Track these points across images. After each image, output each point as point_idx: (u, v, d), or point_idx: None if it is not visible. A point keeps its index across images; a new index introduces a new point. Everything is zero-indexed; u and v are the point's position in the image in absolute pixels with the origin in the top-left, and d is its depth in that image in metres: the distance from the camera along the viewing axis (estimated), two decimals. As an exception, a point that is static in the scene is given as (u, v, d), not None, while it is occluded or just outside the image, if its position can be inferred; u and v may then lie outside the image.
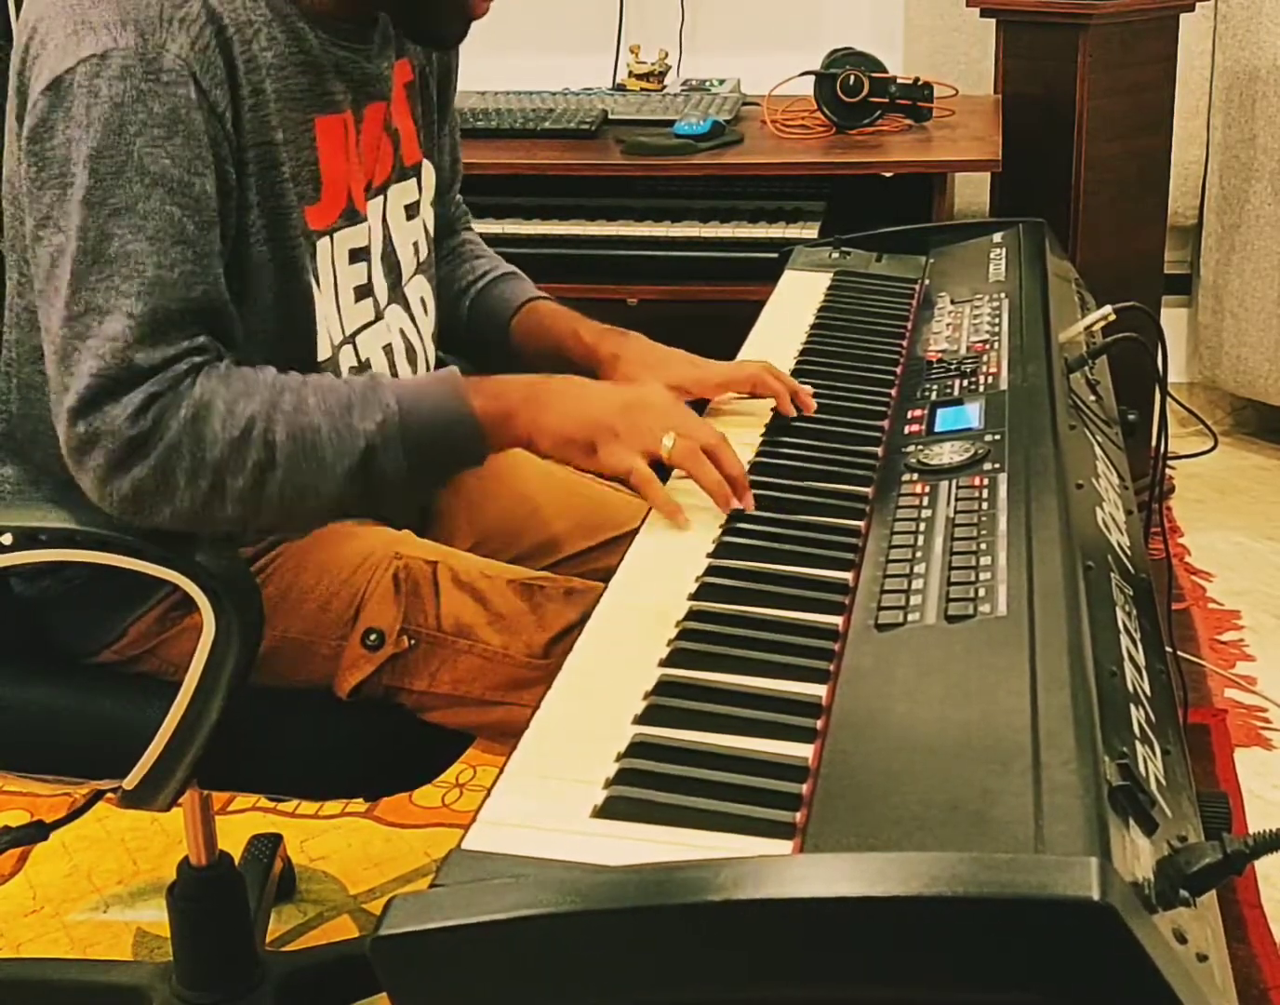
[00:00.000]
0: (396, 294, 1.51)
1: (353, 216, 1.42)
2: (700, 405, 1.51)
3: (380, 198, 1.47)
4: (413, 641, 1.36)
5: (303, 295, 1.36)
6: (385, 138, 1.47)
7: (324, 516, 1.37)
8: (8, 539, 1.34)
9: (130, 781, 1.38)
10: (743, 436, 1.42)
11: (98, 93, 1.21)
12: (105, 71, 1.21)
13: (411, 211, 1.53)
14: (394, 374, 1.48)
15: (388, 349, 1.48)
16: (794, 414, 1.46)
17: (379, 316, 1.47)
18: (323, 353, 1.38)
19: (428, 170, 1.57)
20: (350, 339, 1.43)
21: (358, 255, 1.43)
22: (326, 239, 1.38)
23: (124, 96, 1.22)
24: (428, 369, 1.55)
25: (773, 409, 1.48)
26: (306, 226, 1.35)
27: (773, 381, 1.48)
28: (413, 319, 1.53)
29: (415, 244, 1.54)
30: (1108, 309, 1.56)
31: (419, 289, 1.55)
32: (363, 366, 1.44)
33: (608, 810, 0.90)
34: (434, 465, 1.33)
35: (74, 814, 1.60)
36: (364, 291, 1.45)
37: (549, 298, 1.66)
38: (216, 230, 1.27)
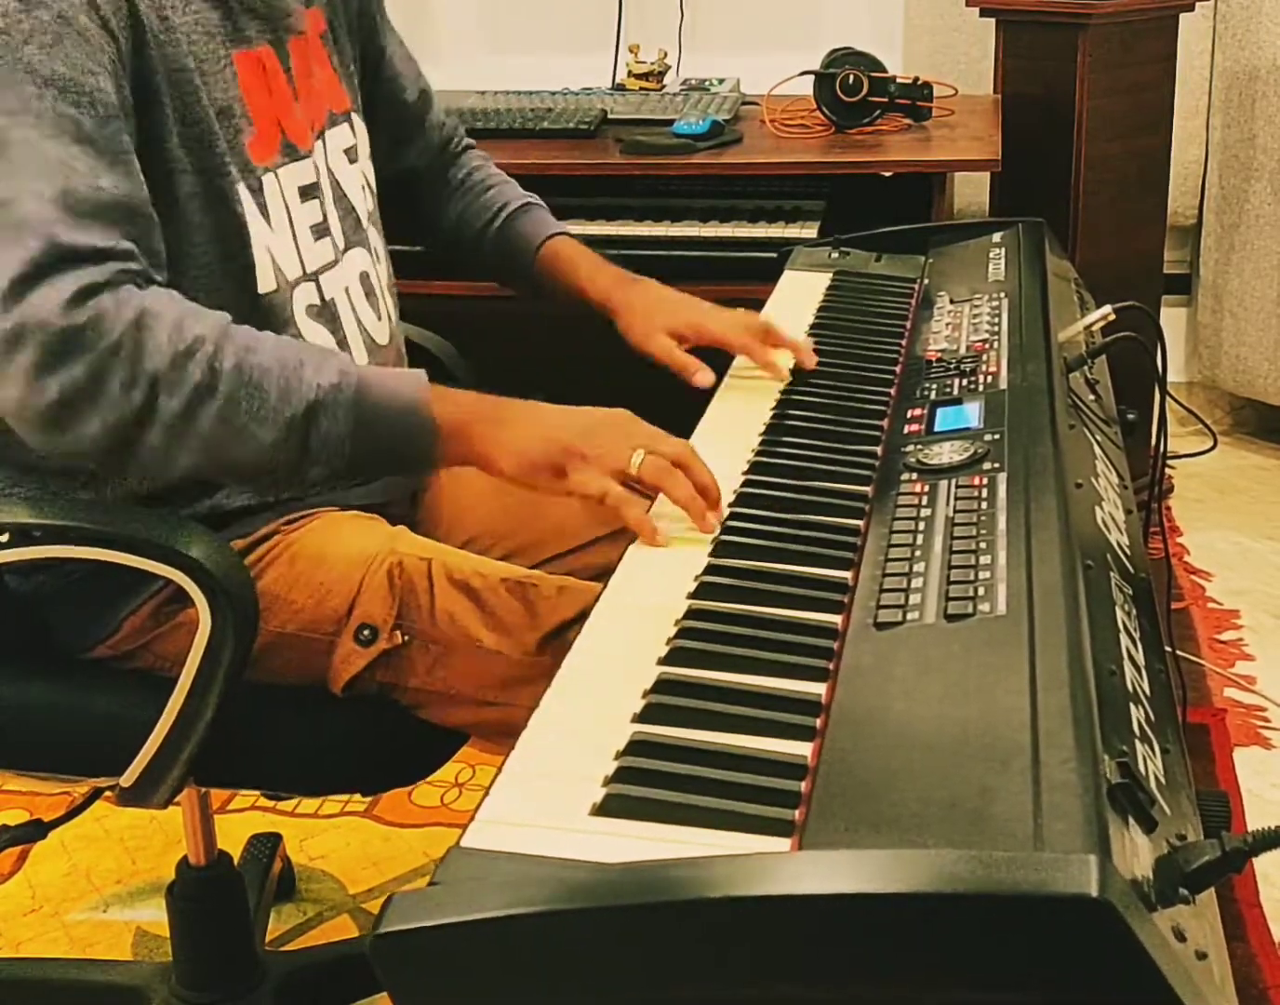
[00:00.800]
0: (359, 237, 1.53)
1: (292, 152, 1.43)
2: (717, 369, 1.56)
3: (320, 142, 1.49)
4: (406, 637, 1.36)
5: (236, 226, 1.36)
6: (310, 81, 1.48)
7: (246, 470, 1.29)
8: (4, 537, 1.34)
9: (127, 779, 1.38)
10: (743, 436, 1.43)
11: None
12: None
13: (351, 155, 1.55)
14: (356, 315, 1.50)
15: (348, 291, 1.49)
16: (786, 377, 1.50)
17: (337, 259, 1.48)
18: (265, 285, 1.38)
19: (358, 123, 1.58)
20: (313, 277, 1.44)
21: (308, 192, 1.44)
22: (271, 175, 1.40)
23: (8, 6, 1.22)
24: (389, 314, 1.56)
25: (773, 409, 1.49)
26: (249, 160, 1.37)
27: (762, 353, 1.54)
28: (373, 264, 1.55)
29: (363, 188, 1.56)
30: (1107, 309, 1.56)
31: (373, 239, 1.57)
32: (326, 306, 1.45)
33: (607, 808, 0.90)
34: (376, 450, 1.27)
35: (72, 812, 1.60)
36: (321, 230, 1.46)
37: (567, 232, 1.70)
38: (120, 126, 1.26)
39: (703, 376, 1.52)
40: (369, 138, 1.61)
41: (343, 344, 1.47)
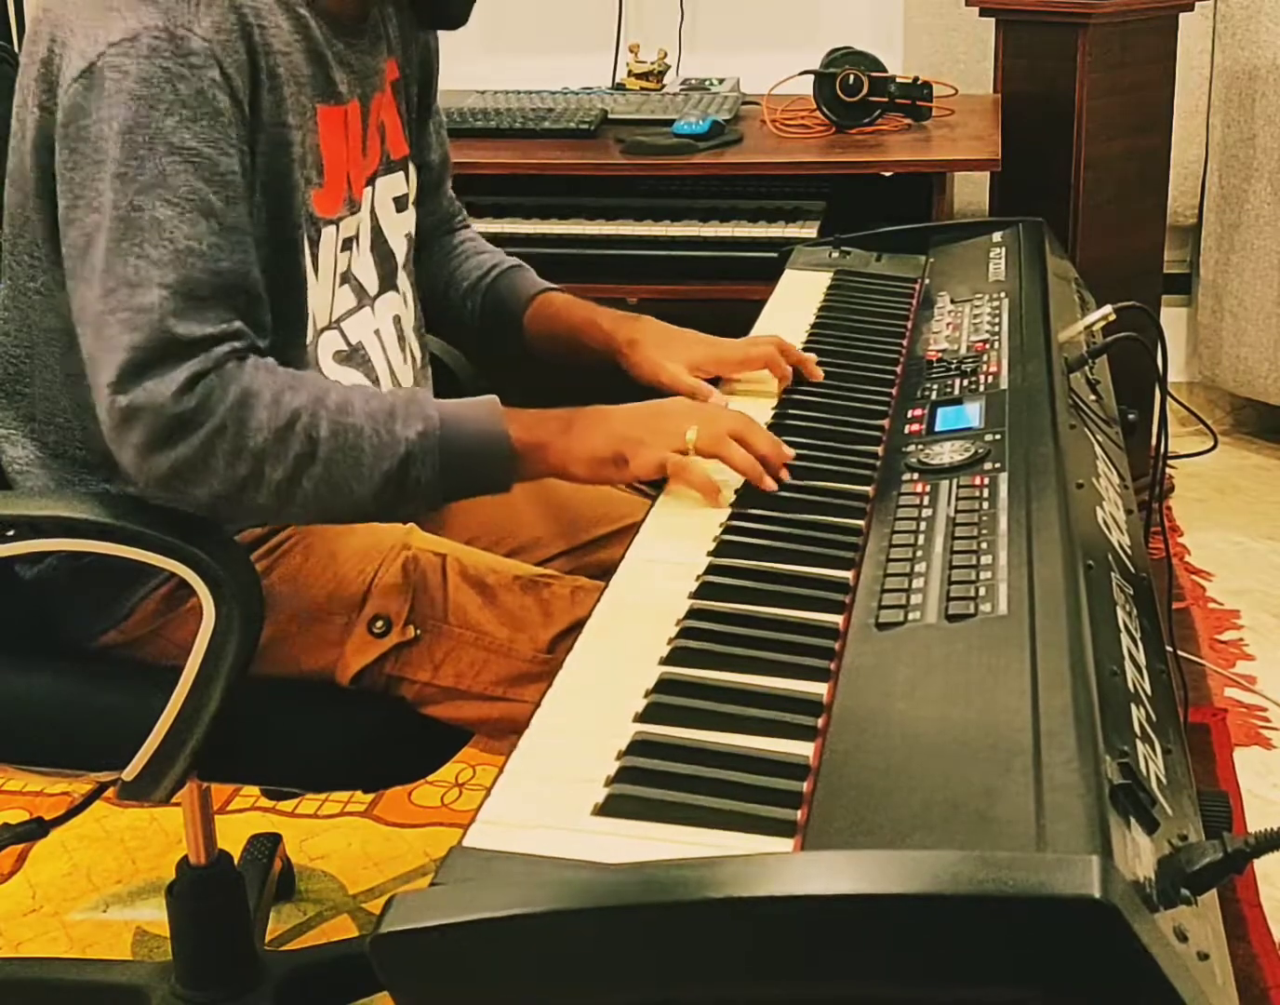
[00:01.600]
0: (390, 283, 1.53)
1: (353, 206, 1.45)
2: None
3: (369, 188, 1.49)
4: (418, 632, 1.37)
5: (297, 279, 1.38)
6: (377, 130, 1.49)
7: (348, 519, 1.38)
8: (10, 530, 1.34)
9: (130, 772, 1.38)
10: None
11: (127, 72, 1.24)
12: (134, 51, 1.24)
13: (401, 204, 1.56)
14: (386, 358, 1.51)
15: (378, 334, 1.51)
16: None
17: (361, 304, 1.49)
18: (308, 336, 1.40)
19: (412, 173, 1.60)
20: (335, 324, 1.46)
21: (347, 244, 1.45)
22: (332, 227, 1.41)
23: (153, 75, 1.24)
24: (414, 357, 1.58)
25: (773, 409, 1.49)
26: (314, 213, 1.38)
27: (782, 365, 1.53)
28: (404, 309, 1.56)
29: (407, 235, 1.57)
30: (1107, 308, 1.57)
31: (405, 283, 1.58)
32: (353, 350, 1.47)
33: (608, 808, 0.90)
34: (464, 483, 1.34)
35: (73, 811, 1.60)
36: (344, 277, 1.47)
37: (557, 288, 1.69)
38: (243, 207, 1.29)
39: (716, 399, 1.51)
40: None
41: (375, 385, 1.48)
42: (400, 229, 1.56)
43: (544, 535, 1.61)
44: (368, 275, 1.50)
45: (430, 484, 1.31)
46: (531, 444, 1.34)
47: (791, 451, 1.35)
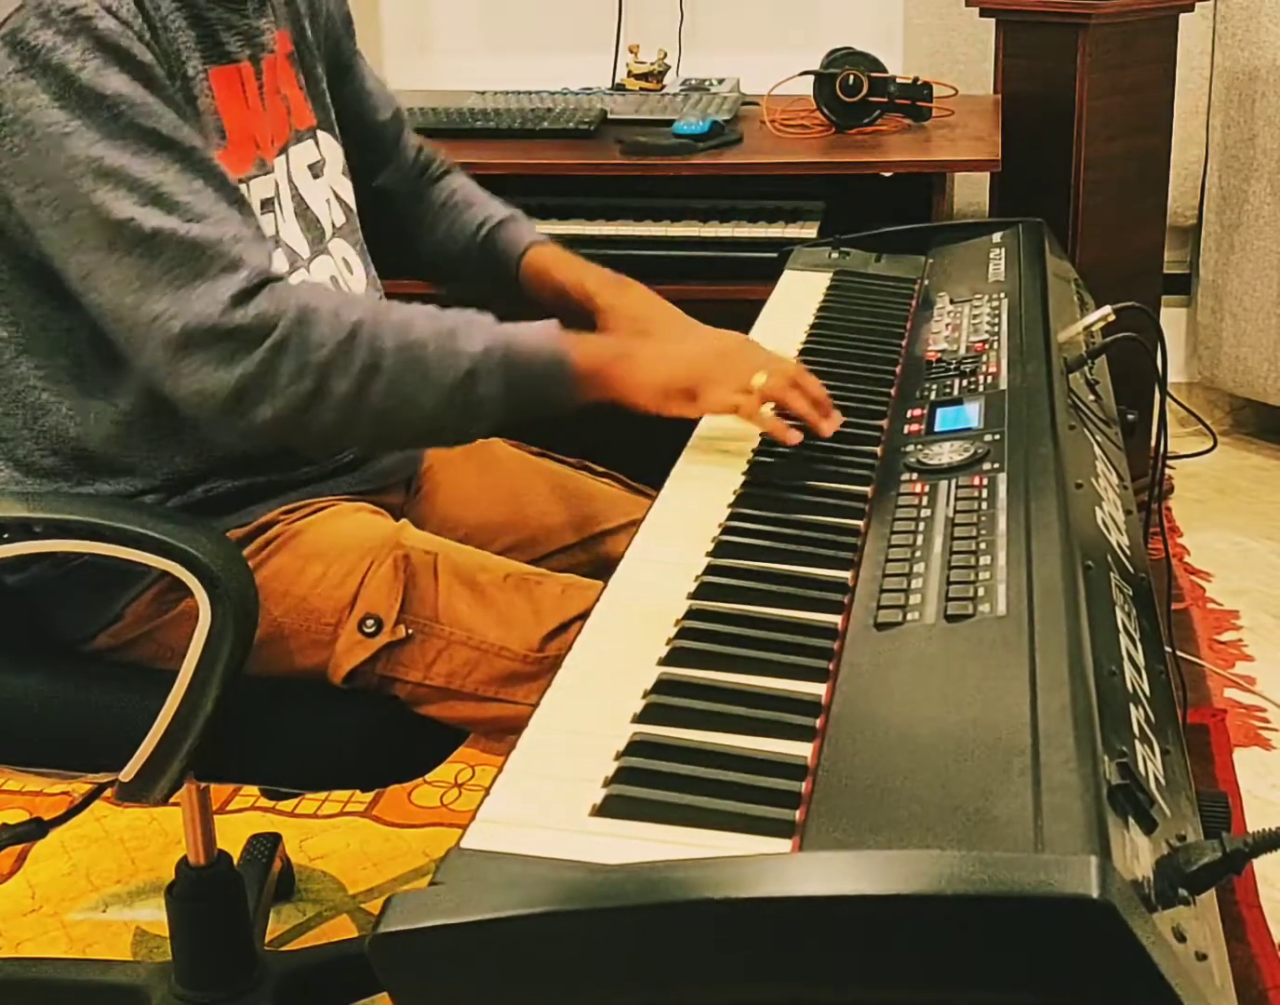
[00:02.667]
0: (321, 248, 1.54)
1: (262, 166, 1.45)
2: None
3: (283, 157, 1.50)
4: (409, 631, 1.37)
5: None
6: (276, 98, 1.50)
7: (417, 437, 1.43)
8: (3, 533, 1.34)
9: (127, 773, 1.38)
10: (744, 436, 1.42)
11: (34, 44, 1.25)
12: (29, 25, 1.25)
13: (316, 171, 1.56)
14: None
15: None
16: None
17: (295, 266, 1.49)
18: None
19: (325, 139, 1.60)
20: None
21: (266, 205, 1.46)
22: (244, 187, 1.41)
23: (55, 43, 1.25)
24: None
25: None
26: None
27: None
28: (341, 274, 1.56)
29: (328, 202, 1.57)
30: (1107, 309, 1.56)
31: (340, 249, 1.58)
32: None
33: (607, 809, 0.90)
34: (528, 400, 1.36)
35: (72, 812, 1.60)
36: (274, 242, 1.47)
37: (549, 240, 1.70)
38: (189, 129, 1.31)
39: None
40: (345, 155, 1.62)
41: None
42: (320, 195, 1.56)
43: (541, 532, 1.61)
44: (297, 240, 1.50)
45: (495, 399, 1.33)
46: (593, 367, 1.37)
47: (830, 402, 1.40)
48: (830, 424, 1.39)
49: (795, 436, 1.38)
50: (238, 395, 1.28)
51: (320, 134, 1.58)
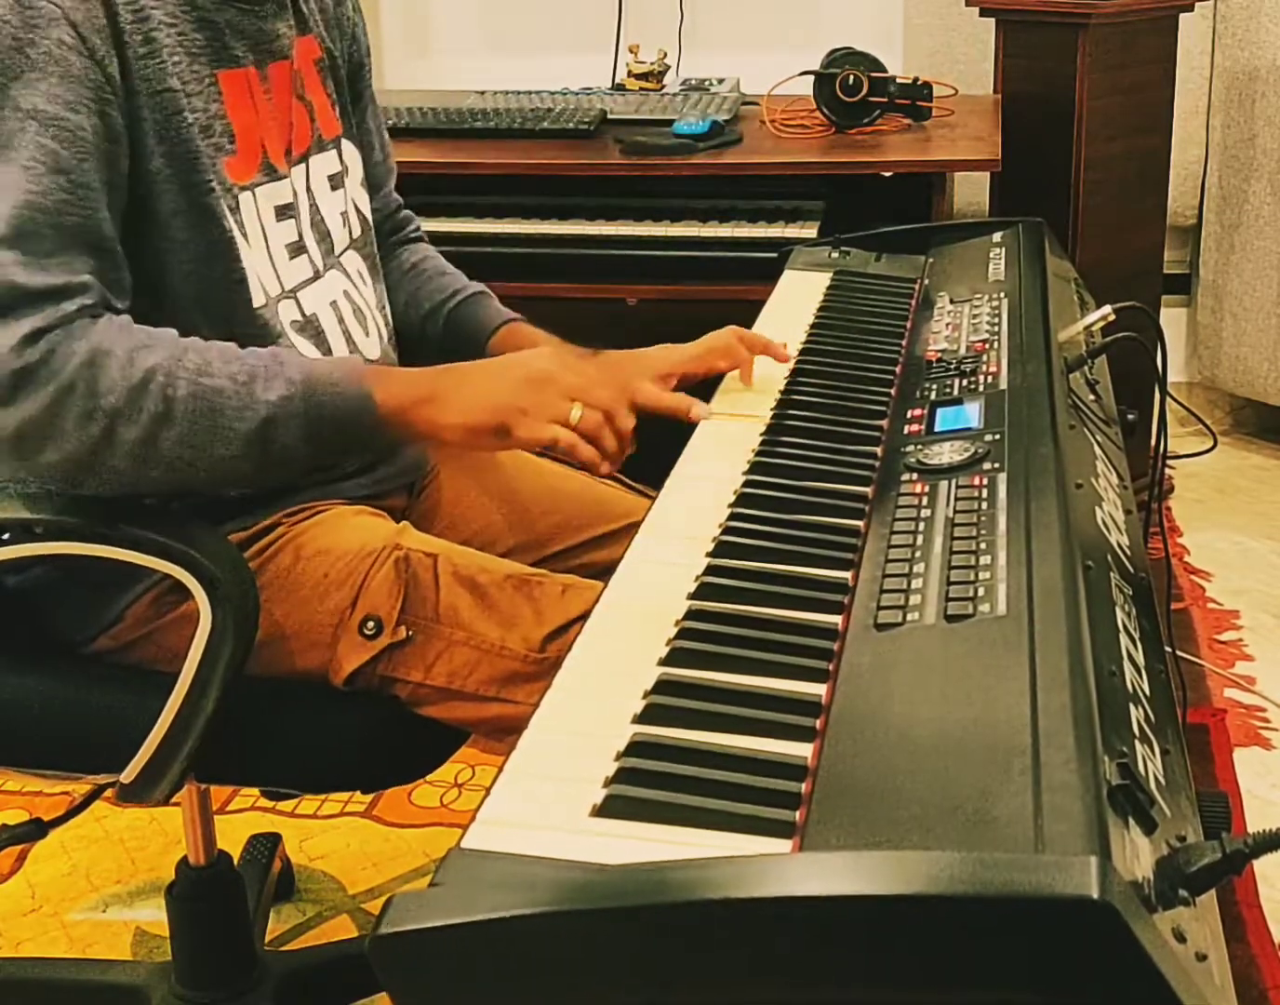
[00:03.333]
0: (332, 261, 1.54)
1: (272, 172, 1.44)
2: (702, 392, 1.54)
3: (303, 166, 1.50)
4: (410, 632, 1.37)
5: (225, 244, 1.38)
6: (299, 105, 1.50)
7: (218, 482, 1.36)
8: (4, 534, 1.34)
9: (128, 775, 1.38)
10: (743, 436, 1.43)
11: None
12: None
13: (335, 182, 1.56)
14: (344, 330, 1.51)
15: (334, 305, 1.51)
16: (751, 383, 1.50)
17: (318, 274, 1.49)
18: (257, 300, 1.41)
19: (349, 149, 1.60)
20: (290, 293, 1.46)
21: (284, 212, 1.46)
22: (249, 193, 1.41)
23: (1, 42, 1.25)
24: (379, 333, 1.58)
25: (773, 409, 1.49)
26: (226, 179, 1.38)
27: (739, 350, 1.52)
28: (354, 287, 1.56)
29: (344, 214, 1.57)
30: (1107, 309, 1.56)
31: (353, 262, 1.58)
32: (308, 321, 1.47)
33: (607, 809, 0.90)
34: (331, 446, 1.35)
35: (72, 812, 1.60)
36: (297, 248, 1.47)
37: (522, 319, 1.67)
38: (94, 163, 1.29)
39: (698, 410, 1.48)
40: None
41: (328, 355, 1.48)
42: (335, 207, 1.55)
43: (543, 533, 1.61)
44: (314, 250, 1.50)
45: (295, 446, 1.31)
46: (395, 409, 1.33)
47: (620, 447, 1.36)
48: (605, 468, 1.35)
49: (604, 469, 1.35)
50: (19, 435, 1.24)
51: (345, 143, 1.58)
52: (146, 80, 1.32)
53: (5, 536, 1.35)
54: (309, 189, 1.51)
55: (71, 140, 1.27)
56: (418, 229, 1.79)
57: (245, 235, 1.40)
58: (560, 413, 1.33)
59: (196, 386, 1.28)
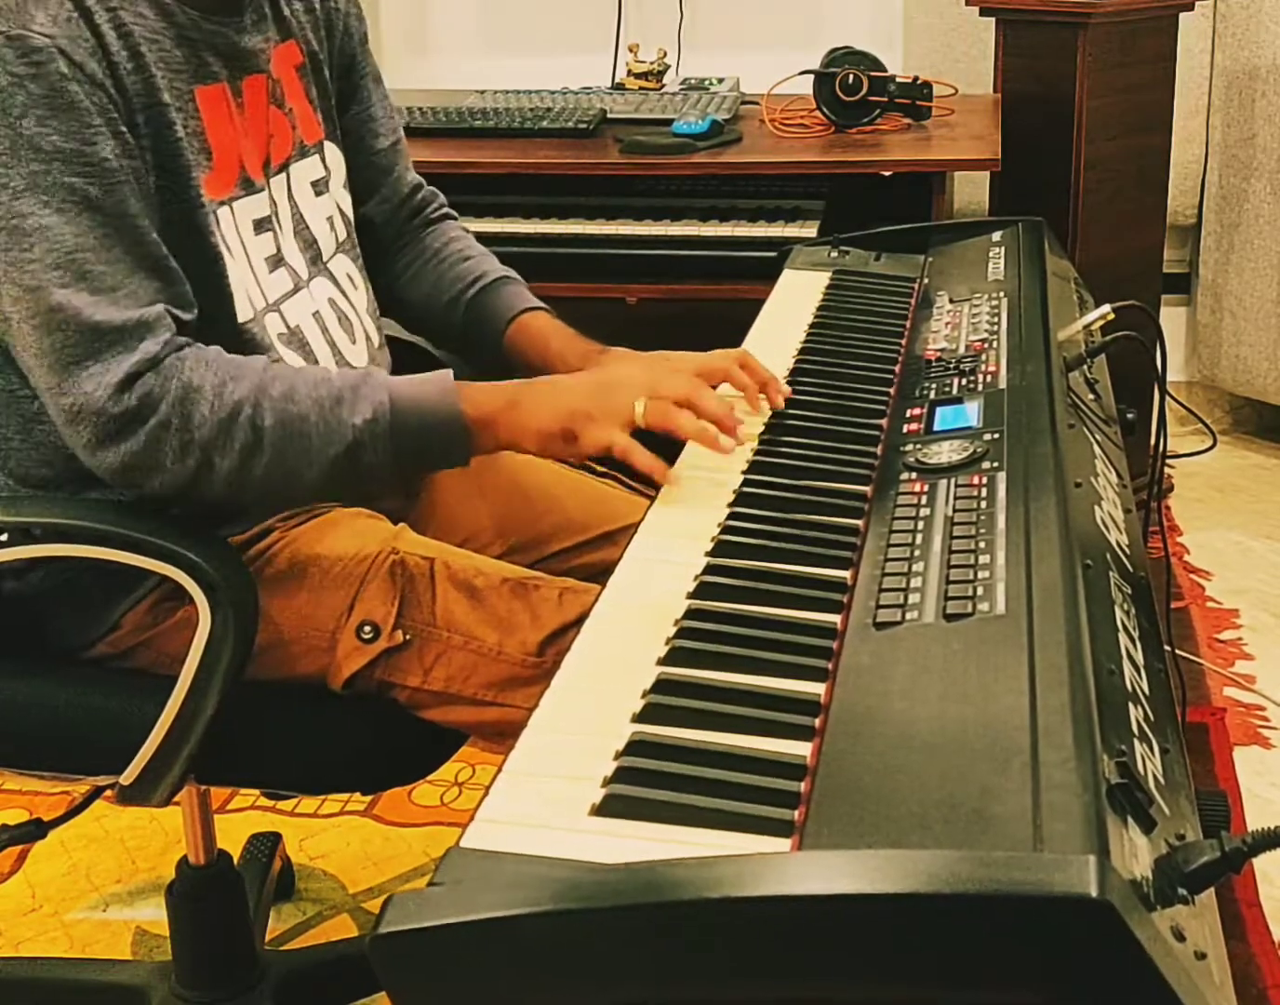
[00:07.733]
0: (319, 268, 1.53)
1: (249, 185, 1.44)
2: None
3: (283, 175, 1.50)
4: (407, 636, 1.37)
5: (211, 257, 1.38)
6: (278, 114, 1.49)
7: (310, 499, 1.43)
8: (3, 536, 1.34)
9: (127, 777, 1.38)
10: (742, 436, 1.42)
11: None
12: None
13: (319, 188, 1.55)
14: (329, 340, 1.51)
15: (317, 316, 1.50)
16: (758, 411, 1.46)
17: (297, 288, 1.48)
18: (243, 314, 1.40)
19: (332, 152, 1.59)
20: (274, 307, 1.45)
21: (262, 225, 1.45)
22: (226, 208, 1.41)
23: (2, 81, 1.25)
24: (367, 339, 1.57)
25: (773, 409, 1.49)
26: (203, 195, 1.38)
27: (740, 376, 1.47)
28: (343, 293, 1.55)
29: (330, 219, 1.56)
30: (1106, 308, 1.56)
31: (343, 266, 1.57)
32: (293, 333, 1.47)
33: (606, 808, 0.90)
34: (419, 463, 1.37)
35: (72, 812, 1.60)
36: (276, 261, 1.47)
37: (544, 307, 1.66)
38: (124, 189, 1.29)
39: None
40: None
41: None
42: (320, 213, 1.55)
43: (542, 533, 1.61)
44: (296, 260, 1.50)
45: (383, 466, 1.33)
46: (482, 420, 1.35)
47: (787, 388, 1.43)
48: (729, 440, 1.34)
49: (726, 445, 1.34)
50: (124, 470, 1.30)
51: (327, 146, 1.58)
52: (139, 95, 1.32)
53: (3, 538, 1.35)
54: (291, 198, 1.50)
55: (97, 173, 1.27)
56: (442, 205, 1.76)
57: (229, 250, 1.40)
58: (625, 414, 1.34)
59: (284, 414, 1.31)
